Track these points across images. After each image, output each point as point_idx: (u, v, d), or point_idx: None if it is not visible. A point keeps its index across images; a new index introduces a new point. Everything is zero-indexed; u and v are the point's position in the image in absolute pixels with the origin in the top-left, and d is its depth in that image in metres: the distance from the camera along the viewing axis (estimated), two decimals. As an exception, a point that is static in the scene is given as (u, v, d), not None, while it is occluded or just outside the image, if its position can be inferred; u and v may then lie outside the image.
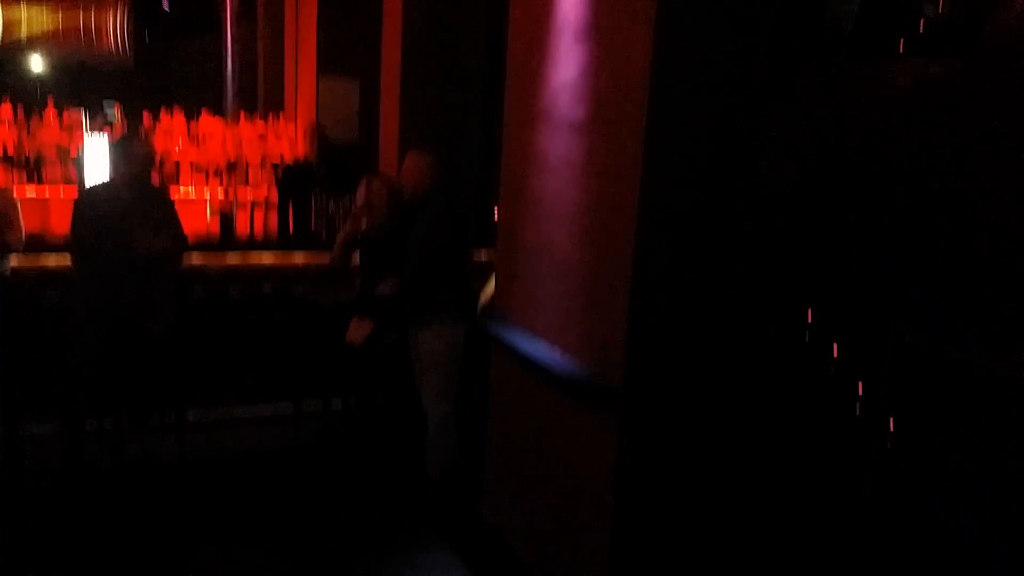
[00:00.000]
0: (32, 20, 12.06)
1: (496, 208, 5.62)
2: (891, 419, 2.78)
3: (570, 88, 3.32)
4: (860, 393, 2.89)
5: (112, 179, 4.49)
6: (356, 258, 4.66)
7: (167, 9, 12.67)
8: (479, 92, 5.43)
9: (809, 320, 3.03)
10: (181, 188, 6.06)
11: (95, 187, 4.65)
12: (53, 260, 4.95)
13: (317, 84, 6.28)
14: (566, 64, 3.34)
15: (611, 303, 3.06)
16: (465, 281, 4.50)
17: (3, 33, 11.64)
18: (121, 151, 4.43)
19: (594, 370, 3.17)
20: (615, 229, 3.01)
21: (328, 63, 6.30)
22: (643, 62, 2.82)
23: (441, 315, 4.22)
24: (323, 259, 5.77)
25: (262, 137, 6.47)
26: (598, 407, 3.15)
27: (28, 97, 7.42)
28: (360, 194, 4.33)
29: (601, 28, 3.11)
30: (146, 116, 6.40)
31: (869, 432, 2.84)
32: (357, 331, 4.25)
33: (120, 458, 4.63)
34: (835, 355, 2.95)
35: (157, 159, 5.55)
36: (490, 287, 5.48)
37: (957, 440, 2.59)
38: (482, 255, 5.86)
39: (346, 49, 6.23)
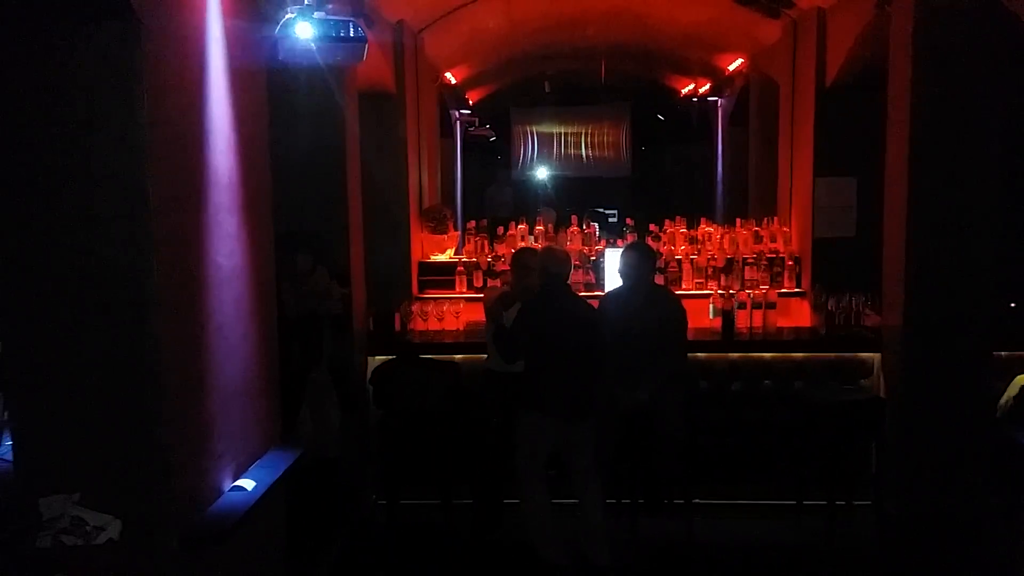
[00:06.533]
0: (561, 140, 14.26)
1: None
2: None
3: None
4: None
5: (630, 285, 5.16)
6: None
7: (661, 118, 13.97)
8: (994, 184, 5.09)
9: None
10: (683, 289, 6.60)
11: (612, 292, 5.41)
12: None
13: (813, 185, 6.42)
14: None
15: None
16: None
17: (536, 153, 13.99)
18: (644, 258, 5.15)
19: None
20: None
21: (824, 163, 6.41)
22: None
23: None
24: (821, 356, 5.84)
25: (757, 237, 6.80)
26: None
27: (557, 211, 8.73)
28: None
29: None
30: (651, 226, 7.14)
31: None
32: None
33: (636, 533, 5.17)
34: None
35: (660, 262, 6.20)
36: (1012, 389, 5.06)
37: None
38: (1001, 355, 5.42)
39: (844, 148, 6.29)
